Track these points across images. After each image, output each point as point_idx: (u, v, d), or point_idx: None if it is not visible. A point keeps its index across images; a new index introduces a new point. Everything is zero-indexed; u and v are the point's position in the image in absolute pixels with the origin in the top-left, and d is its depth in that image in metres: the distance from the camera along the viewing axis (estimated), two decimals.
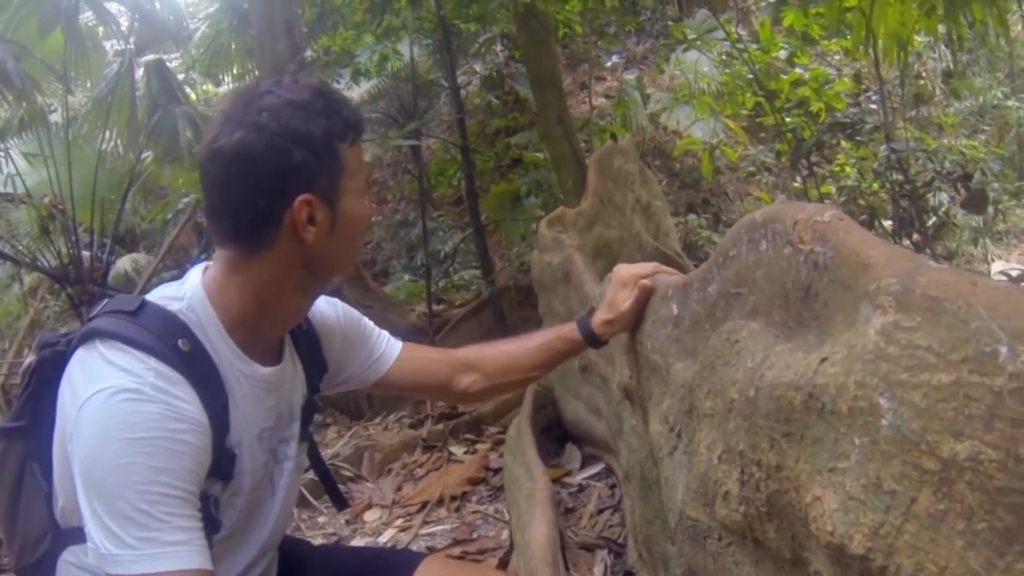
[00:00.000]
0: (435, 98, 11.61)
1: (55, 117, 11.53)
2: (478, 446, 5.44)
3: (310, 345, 1.80)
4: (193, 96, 15.45)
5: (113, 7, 11.56)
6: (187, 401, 1.40)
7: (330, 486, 2.08)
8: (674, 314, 1.89)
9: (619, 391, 2.61)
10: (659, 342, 1.98)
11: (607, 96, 12.73)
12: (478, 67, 11.18)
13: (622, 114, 10.10)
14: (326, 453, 5.70)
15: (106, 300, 1.54)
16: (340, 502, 2.12)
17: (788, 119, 7.21)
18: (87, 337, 1.43)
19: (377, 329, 2.01)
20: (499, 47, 10.69)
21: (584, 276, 4.11)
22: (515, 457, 4.11)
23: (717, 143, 8.94)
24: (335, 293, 1.88)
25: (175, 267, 11.80)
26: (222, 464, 1.49)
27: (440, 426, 5.78)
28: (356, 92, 10.11)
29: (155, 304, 1.49)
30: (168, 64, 11.98)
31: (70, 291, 8.45)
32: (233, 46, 12.22)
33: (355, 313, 1.98)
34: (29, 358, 1.59)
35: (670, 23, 10.74)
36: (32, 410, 1.55)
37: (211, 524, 1.47)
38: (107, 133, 10.20)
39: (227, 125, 1.47)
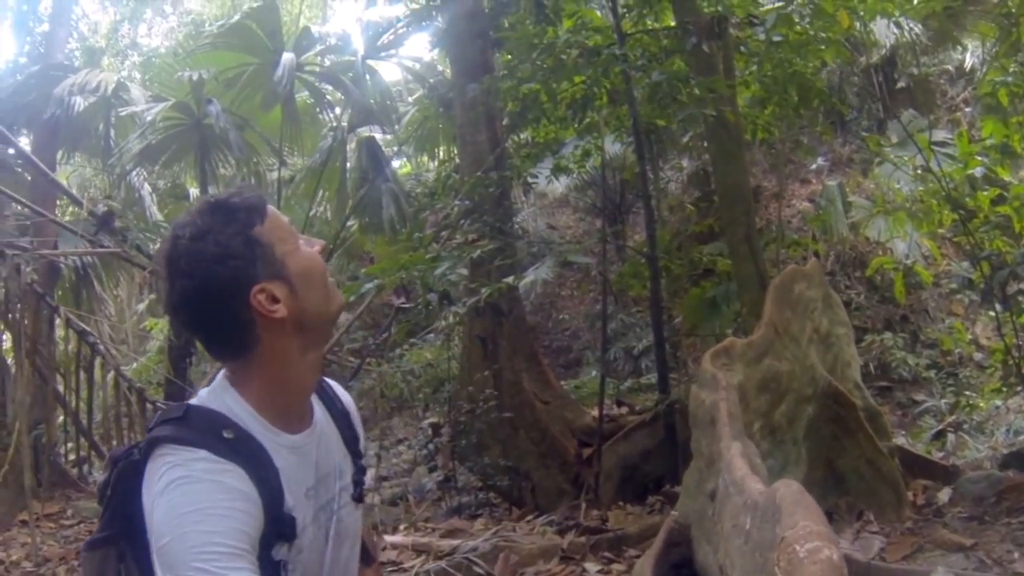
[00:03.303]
0: (638, 193, 11.64)
1: (274, 175, 12.34)
2: (614, 566, 5.36)
3: (344, 418, 2.01)
4: (407, 168, 16.19)
5: (331, 90, 12.37)
6: (235, 479, 1.59)
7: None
8: (746, 528, 1.85)
9: None
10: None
11: (811, 200, 12.43)
12: (685, 162, 11.15)
13: (820, 225, 9.81)
14: (466, 546, 5.77)
15: (159, 412, 1.82)
16: (366, 558, 2.22)
17: (986, 241, 6.84)
18: (150, 446, 1.64)
19: None
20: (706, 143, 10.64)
21: (724, 429, 4.00)
22: None
23: (912, 263, 8.53)
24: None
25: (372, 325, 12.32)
26: (284, 528, 1.69)
27: (583, 539, 5.72)
28: (560, 185, 10.34)
29: (197, 406, 1.72)
30: (379, 140, 12.68)
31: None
32: (440, 127, 12.70)
33: None
34: (103, 474, 1.83)
35: (864, 135, 10.39)
36: (120, 518, 1.74)
37: None
38: (318, 199, 10.81)
39: (168, 283, 1.72)
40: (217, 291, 1.68)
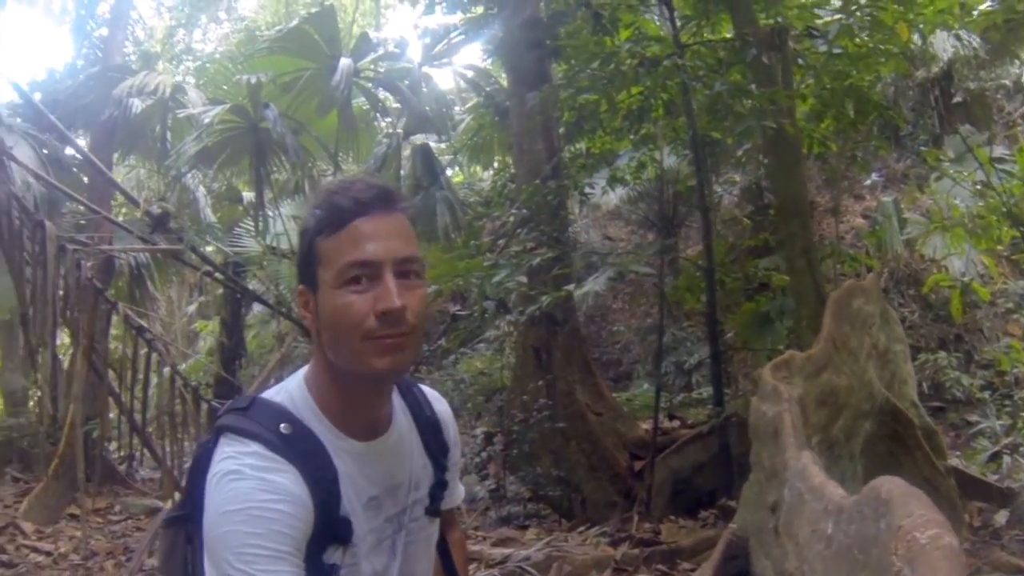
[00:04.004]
0: (693, 205, 11.56)
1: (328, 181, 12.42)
2: None
3: (432, 428, 1.92)
4: (460, 177, 16.23)
5: (386, 94, 12.45)
6: (284, 477, 1.56)
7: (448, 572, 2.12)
8: (828, 533, 1.83)
9: None
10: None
11: (865, 216, 12.27)
12: (738, 176, 11.07)
13: (875, 241, 9.67)
14: (518, 555, 5.74)
15: (230, 401, 1.77)
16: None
17: None
18: (216, 434, 1.66)
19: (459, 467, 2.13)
20: (760, 157, 10.56)
21: (789, 440, 3.94)
22: None
23: (969, 281, 8.39)
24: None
25: (425, 333, 12.31)
26: (338, 530, 1.66)
27: (636, 551, 5.67)
28: (614, 196, 10.31)
29: (262, 398, 1.71)
30: (434, 148, 12.74)
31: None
32: (495, 136, 12.72)
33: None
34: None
35: (923, 149, 10.24)
36: (190, 500, 1.73)
37: None
38: None
39: None
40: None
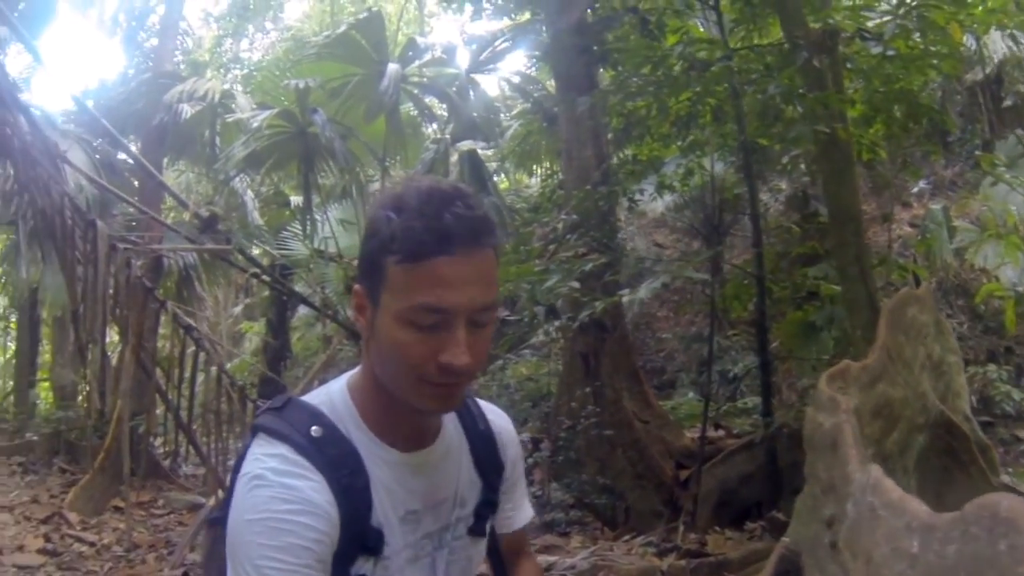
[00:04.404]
0: (739, 213, 11.46)
1: (373, 188, 12.50)
2: None
3: (485, 443, 1.82)
4: (505, 183, 16.25)
5: (433, 100, 12.48)
6: (307, 484, 1.49)
7: None
8: (912, 551, 1.74)
9: None
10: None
11: (912, 225, 12.09)
12: (784, 184, 10.96)
13: (925, 250, 9.52)
14: (563, 563, 5.69)
15: (270, 401, 1.70)
16: None
17: None
18: (252, 432, 1.61)
19: (524, 482, 2.04)
20: (804, 165, 10.45)
21: (850, 452, 3.83)
22: None
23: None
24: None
25: None
26: (368, 541, 1.57)
27: (683, 562, 5.59)
28: (660, 204, 10.25)
29: (298, 399, 1.64)
30: (481, 154, 12.75)
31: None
32: (543, 144, 12.70)
33: (520, 449, 1.99)
34: None
35: (977, 152, 10.07)
36: (230, 499, 1.67)
37: None
38: None
39: None
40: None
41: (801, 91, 6.89)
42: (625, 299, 7.81)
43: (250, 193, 14.25)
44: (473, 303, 1.46)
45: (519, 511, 1.97)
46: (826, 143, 6.72)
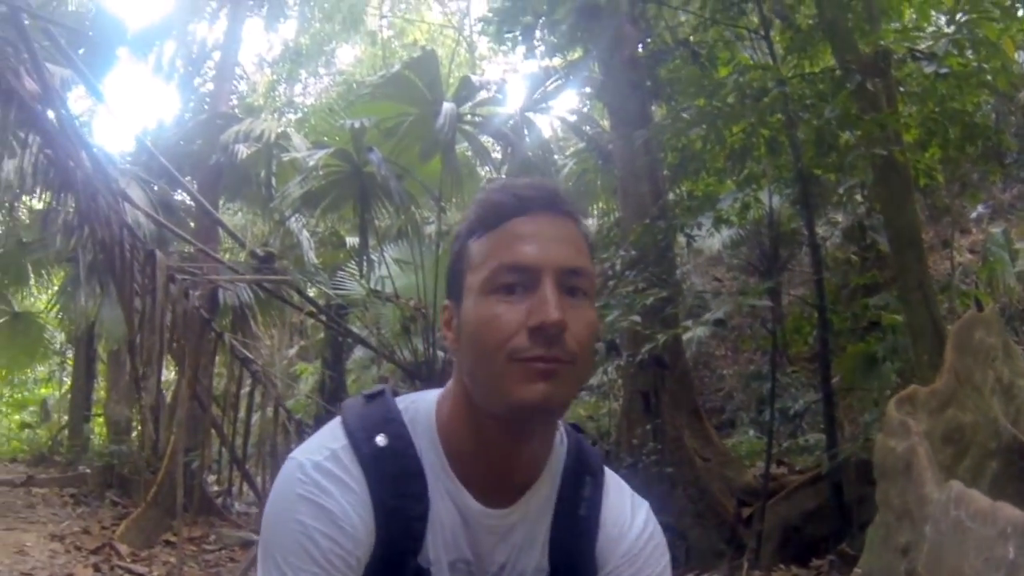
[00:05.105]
0: (796, 247, 11.31)
1: (430, 229, 12.54)
2: None
3: (573, 530, 1.50)
4: None
5: (488, 140, 12.50)
6: (343, 494, 1.34)
7: None
8: (1010, 558, 1.63)
9: None
10: None
11: (972, 251, 11.85)
12: (840, 217, 10.82)
13: (987, 275, 9.30)
14: None
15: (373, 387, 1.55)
16: None
17: None
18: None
19: None
20: (860, 196, 10.31)
21: (926, 474, 3.71)
22: None
23: None
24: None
25: None
26: None
27: None
28: (717, 240, 10.15)
29: (389, 398, 1.47)
30: None
31: (419, 384, 9.02)
32: (599, 181, 12.66)
33: (666, 561, 1.60)
34: None
35: None
36: None
37: None
38: None
39: None
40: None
41: (856, 116, 6.79)
42: (686, 336, 7.69)
43: (306, 233, 14.31)
44: (559, 260, 1.31)
45: None
46: (883, 168, 6.62)
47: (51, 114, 5.82)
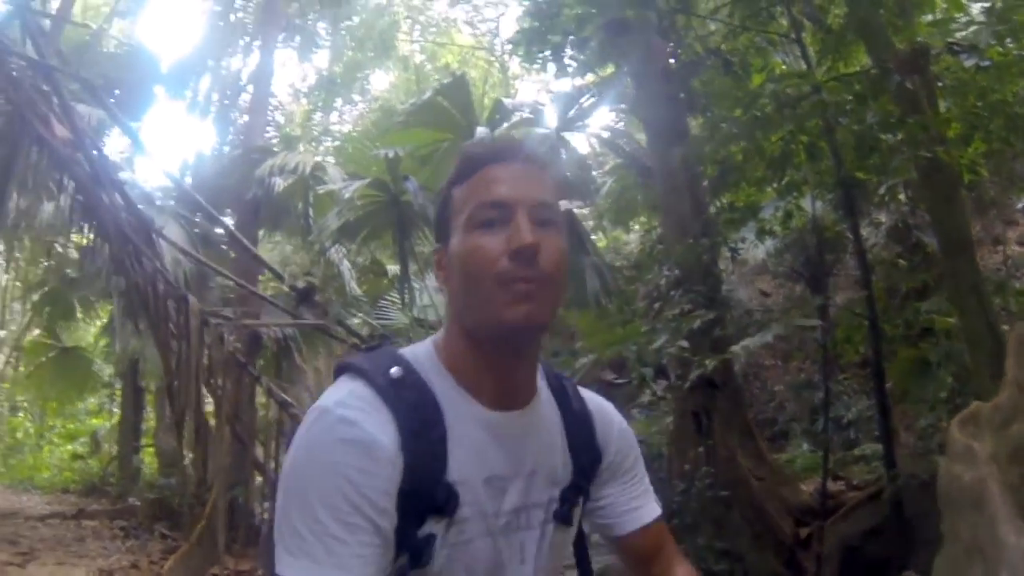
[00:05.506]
0: (841, 251, 11.08)
1: None
2: None
3: (580, 424, 1.72)
4: (603, 242, 16.09)
5: None
6: (371, 421, 1.42)
7: None
8: None
9: None
10: None
11: (1020, 243, 11.53)
12: (883, 217, 10.59)
13: None
14: None
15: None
16: None
17: None
18: (337, 372, 1.56)
19: (647, 478, 1.88)
20: (903, 196, 10.05)
21: (999, 512, 3.45)
22: None
23: None
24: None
25: None
26: (438, 498, 1.47)
27: None
28: (761, 250, 9.97)
29: (388, 346, 1.60)
30: (577, 213, 12.59)
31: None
32: (639, 198, 12.51)
33: (635, 442, 1.87)
34: None
35: None
36: None
37: (416, 559, 1.47)
38: None
39: None
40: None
41: (898, 117, 6.58)
42: (736, 348, 7.50)
43: (346, 263, 14.32)
44: (529, 195, 1.51)
45: (645, 506, 1.84)
46: (928, 169, 6.41)
47: (83, 157, 5.79)
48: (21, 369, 19.32)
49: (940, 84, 7.33)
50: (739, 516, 7.68)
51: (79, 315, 16.26)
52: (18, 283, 15.77)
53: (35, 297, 16.39)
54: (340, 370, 1.55)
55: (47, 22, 6.37)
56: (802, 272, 10.59)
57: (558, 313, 1.56)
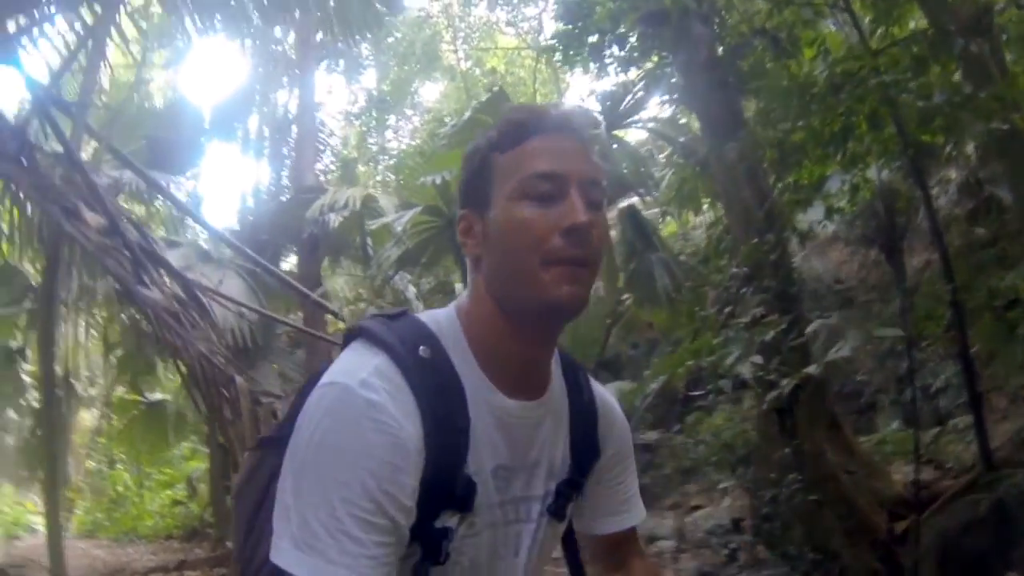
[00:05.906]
0: (912, 213, 10.66)
1: None
2: None
3: (585, 418, 1.66)
4: (672, 227, 15.80)
5: None
6: (396, 405, 1.33)
7: None
8: None
9: None
10: None
11: None
12: (952, 172, 10.17)
13: None
14: None
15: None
16: None
17: None
18: (348, 338, 1.47)
19: (636, 483, 1.84)
20: (971, 150, 9.58)
21: None
22: None
23: None
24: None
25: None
26: (457, 491, 1.41)
27: None
28: (830, 227, 9.65)
29: (415, 316, 1.51)
30: (641, 206, 12.36)
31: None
32: (699, 186, 12.22)
33: (631, 445, 1.81)
34: None
35: None
36: (293, 420, 1.44)
37: (432, 555, 1.40)
38: None
39: None
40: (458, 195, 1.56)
41: (967, 95, 6.16)
42: (810, 328, 7.19)
43: (412, 288, 14.34)
44: (582, 171, 1.45)
45: (632, 510, 1.81)
46: (1002, 139, 6.04)
47: (120, 242, 5.75)
48: (115, 423, 19.61)
49: (1005, 37, 6.92)
50: (830, 513, 7.36)
51: (159, 368, 16.46)
52: (100, 341, 15.97)
53: (118, 353, 16.62)
54: (354, 334, 1.47)
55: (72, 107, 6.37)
56: (874, 237, 10.27)
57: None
